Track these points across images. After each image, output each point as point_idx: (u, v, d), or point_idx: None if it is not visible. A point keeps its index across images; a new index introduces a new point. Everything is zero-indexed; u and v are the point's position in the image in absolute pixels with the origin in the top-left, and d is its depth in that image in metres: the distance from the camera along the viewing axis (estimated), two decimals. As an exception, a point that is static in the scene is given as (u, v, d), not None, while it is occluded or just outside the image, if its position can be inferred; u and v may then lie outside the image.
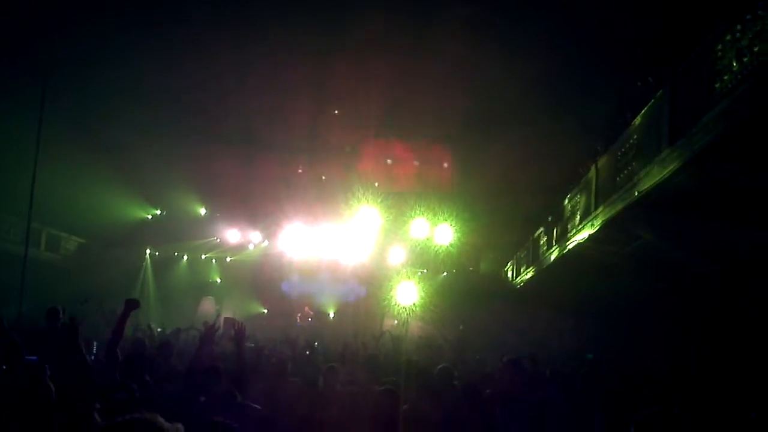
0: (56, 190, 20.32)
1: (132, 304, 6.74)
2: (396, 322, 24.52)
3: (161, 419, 2.45)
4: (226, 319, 10.23)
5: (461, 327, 20.74)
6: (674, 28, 12.45)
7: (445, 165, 23.59)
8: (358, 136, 23.75)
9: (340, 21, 18.41)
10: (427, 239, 24.93)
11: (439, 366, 7.40)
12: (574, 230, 15.35)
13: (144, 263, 29.50)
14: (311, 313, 28.44)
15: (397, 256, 26.00)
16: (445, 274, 27.93)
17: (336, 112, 22.29)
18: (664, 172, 9.57)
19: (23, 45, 17.90)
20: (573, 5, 15.69)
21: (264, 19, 18.23)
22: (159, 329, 15.67)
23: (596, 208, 13.53)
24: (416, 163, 24.63)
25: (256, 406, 6.17)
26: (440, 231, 24.39)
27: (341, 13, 18.05)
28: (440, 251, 25.45)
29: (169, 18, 18.18)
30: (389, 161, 24.72)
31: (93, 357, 8.21)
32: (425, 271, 27.78)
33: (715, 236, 11.18)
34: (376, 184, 23.58)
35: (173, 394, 6.47)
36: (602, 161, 13.48)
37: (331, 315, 28.64)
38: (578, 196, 15.52)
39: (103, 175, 22.95)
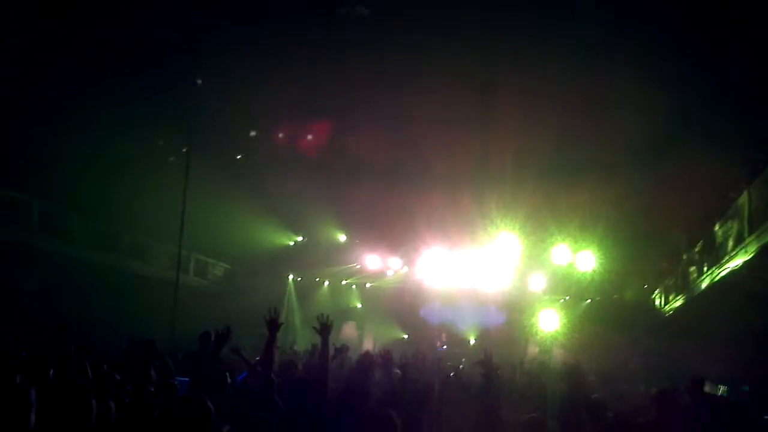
0: (204, 219, 21.40)
1: (275, 326, 7.15)
2: (539, 349, 24.21)
3: None
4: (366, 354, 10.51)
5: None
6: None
7: (586, 192, 23.12)
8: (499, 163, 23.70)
9: (479, 58, 18.56)
10: (569, 266, 24.67)
11: (593, 396, 7.28)
12: (727, 257, 14.76)
13: (287, 288, 30.41)
14: (445, 340, 28.45)
15: (539, 282, 25.71)
16: (588, 301, 27.30)
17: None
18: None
19: (174, 79, 18.95)
20: (716, 33, 15.23)
21: (402, 56, 18.59)
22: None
23: (749, 235, 12.98)
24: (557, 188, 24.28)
25: None
26: (582, 257, 24.10)
27: (483, 48, 18.20)
28: (583, 278, 25.09)
29: (312, 55, 18.82)
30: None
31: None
32: (567, 298, 27.30)
33: None
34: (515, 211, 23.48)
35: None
36: (755, 186, 12.95)
37: (472, 342, 28.54)
38: (729, 222, 14.94)
39: (247, 203, 23.95)
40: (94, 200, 19.60)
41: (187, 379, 8.07)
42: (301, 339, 24.34)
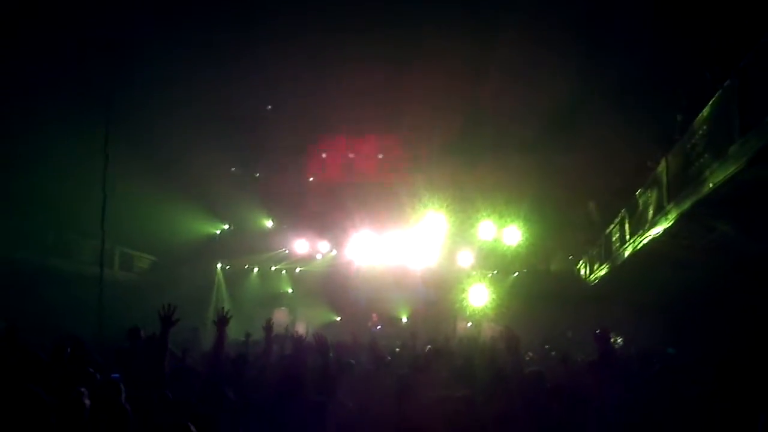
0: (126, 209, 20.75)
1: (168, 322, 6.99)
2: (469, 324, 24.47)
3: None
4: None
5: (569, 334, 20.08)
6: (743, 14, 12.18)
7: (510, 168, 23.39)
8: (423, 143, 23.79)
9: (394, 31, 18.49)
10: (495, 241, 25.01)
11: (528, 369, 7.28)
12: (648, 225, 15.08)
13: (216, 277, 30.00)
14: (377, 320, 28.48)
15: (466, 258, 25.98)
16: (516, 274, 27.69)
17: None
18: (738, 164, 9.33)
19: (89, 67, 18.35)
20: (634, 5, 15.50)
21: (332, 33, 18.40)
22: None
23: (668, 203, 13.27)
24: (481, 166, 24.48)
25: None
26: (508, 232, 24.48)
27: (390, 21, 18.11)
28: (509, 252, 25.47)
29: (241, 39, 18.47)
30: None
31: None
32: (495, 272, 27.63)
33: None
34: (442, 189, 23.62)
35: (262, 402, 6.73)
36: (672, 155, 13.22)
37: (404, 320, 28.67)
38: (649, 191, 15.25)
39: (171, 192, 23.42)
40: (15, 196, 18.88)
41: (117, 375, 7.83)
42: (232, 328, 23.92)
